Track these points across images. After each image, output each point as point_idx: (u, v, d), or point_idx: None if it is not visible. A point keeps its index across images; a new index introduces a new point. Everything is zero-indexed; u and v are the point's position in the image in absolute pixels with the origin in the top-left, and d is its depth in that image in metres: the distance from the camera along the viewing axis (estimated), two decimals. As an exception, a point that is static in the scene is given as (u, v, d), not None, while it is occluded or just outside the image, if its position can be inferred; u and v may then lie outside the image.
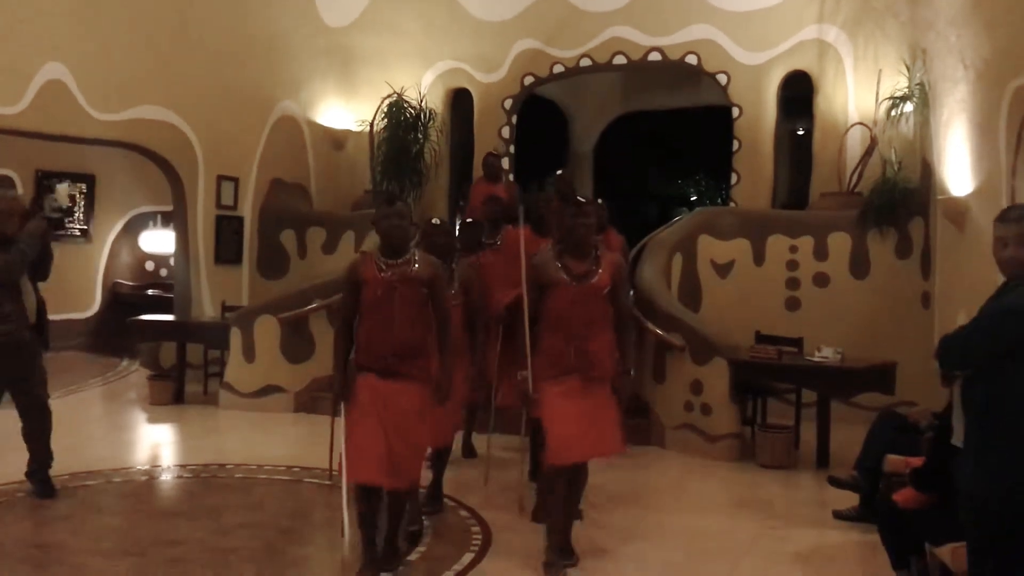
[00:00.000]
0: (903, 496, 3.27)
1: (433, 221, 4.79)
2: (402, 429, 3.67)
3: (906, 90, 7.50)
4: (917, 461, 3.56)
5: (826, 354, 6.11)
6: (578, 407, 3.85)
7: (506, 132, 9.68)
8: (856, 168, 7.97)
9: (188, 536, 4.27)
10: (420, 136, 9.54)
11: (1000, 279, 2.81)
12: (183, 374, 8.07)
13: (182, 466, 5.81)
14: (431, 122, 9.62)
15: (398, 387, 3.66)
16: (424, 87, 9.76)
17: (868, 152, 7.92)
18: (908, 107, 7.56)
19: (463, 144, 10.01)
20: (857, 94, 8.24)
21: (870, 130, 7.94)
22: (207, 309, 8.60)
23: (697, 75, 9.43)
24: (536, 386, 3.91)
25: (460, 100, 9.93)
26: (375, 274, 3.68)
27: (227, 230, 8.82)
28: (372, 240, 8.13)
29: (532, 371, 3.93)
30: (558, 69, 9.48)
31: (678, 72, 9.66)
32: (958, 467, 2.63)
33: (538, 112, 10.76)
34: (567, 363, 3.87)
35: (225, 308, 8.31)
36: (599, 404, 3.89)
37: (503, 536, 4.42)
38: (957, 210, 6.23)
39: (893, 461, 4.00)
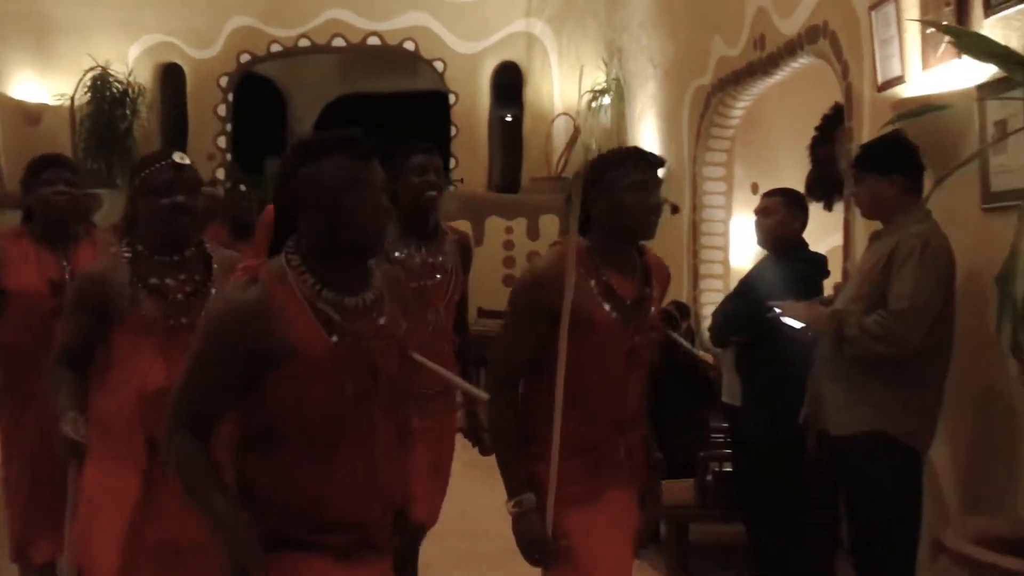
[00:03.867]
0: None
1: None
2: None
3: (604, 84, 8.20)
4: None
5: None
6: (629, 551, 2.42)
7: (222, 111, 9.44)
8: (562, 155, 8.62)
9: None
10: (128, 113, 9.06)
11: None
12: None
13: None
14: (140, 98, 9.16)
15: None
16: (131, 61, 9.27)
17: (572, 140, 8.59)
18: (606, 100, 8.29)
19: (176, 122, 9.63)
20: (562, 86, 8.90)
21: (574, 120, 8.60)
22: None
23: (415, 61, 9.71)
24: (561, 519, 2.25)
25: (172, 76, 9.54)
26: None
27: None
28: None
29: (550, 485, 2.24)
30: (276, 48, 9.38)
31: (397, 57, 9.89)
32: (737, 420, 3.53)
33: (255, 91, 10.56)
34: (612, 466, 2.35)
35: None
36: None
37: None
38: None
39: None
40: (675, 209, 6.22)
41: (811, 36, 4.56)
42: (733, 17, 5.43)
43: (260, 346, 1.73)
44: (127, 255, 2.43)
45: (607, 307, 2.31)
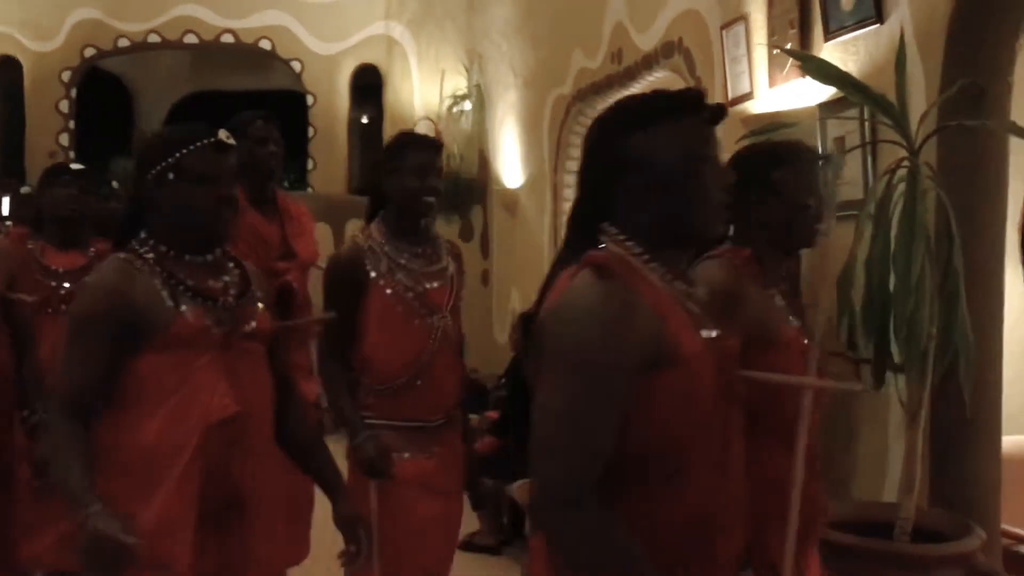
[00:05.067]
0: (482, 444, 3.84)
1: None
2: None
3: (465, 90, 8.32)
4: (494, 414, 4.17)
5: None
6: None
7: (64, 107, 9.01)
8: (423, 159, 8.66)
9: None
10: (-41, 106, 8.54)
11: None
12: None
13: None
14: (-29, 91, 8.65)
15: None
16: (-38, 52, 8.73)
17: (433, 145, 8.65)
18: (467, 106, 8.40)
19: (12, 117, 9.12)
20: (422, 90, 8.95)
21: (435, 124, 8.67)
22: None
23: (271, 60, 9.56)
24: None
25: (8, 69, 9.02)
26: None
27: None
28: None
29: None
30: (123, 43, 9.03)
31: (252, 56, 9.70)
32: None
33: (100, 87, 10.12)
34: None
35: None
36: None
37: None
38: (510, 200, 7.14)
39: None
40: None
41: (666, 51, 4.81)
42: (593, 30, 5.64)
43: (649, 349, 1.38)
44: (149, 256, 1.93)
45: (795, 330, 2.08)
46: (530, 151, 6.82)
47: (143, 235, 1.96)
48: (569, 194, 6.44)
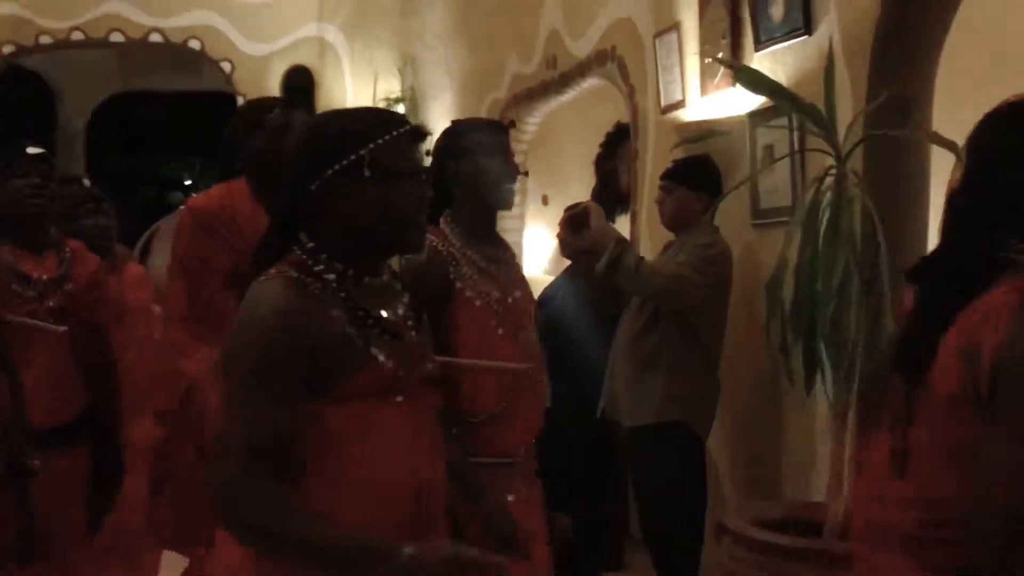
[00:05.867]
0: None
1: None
2: None
3: (399, 93, 8.28)
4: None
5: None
6: None
7: (-16, 104, 8.74)
8: (356, 161, 8.61)
9: None
10: None
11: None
12: None
13: None
14: None
15: None
16: None
17: (367, 147, 8.60)
18: (401, 109, 8.36)
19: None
20: (356, 92, 8.88)
21: (368, 127, 8.61)
22: None
23: (201, 61, 9.39)
24: None
25: (-77, 65, 8.72)
26: None
27: None
28: None
29: None
30: (45, 40, 8.78)
31: (181, 56, 9.51)
32: (547, 420, 3.56)
33: (21, 85, 9.82)
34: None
35: None
36: None
37: None
38: None
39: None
40: None
41: (600, 59, 4.86)
42: (527, 36, 5.67)
43: None
44: (330, 277, 1.52)
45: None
46: (465, 155, 6.82)
47: (308, 245, 1.54)
48: (504, 199, 6.45)
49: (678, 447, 3.30)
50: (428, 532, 1.52)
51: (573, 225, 3.01)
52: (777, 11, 3.40)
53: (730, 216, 3.52)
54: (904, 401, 1.40)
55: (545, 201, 6.44)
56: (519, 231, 6.47)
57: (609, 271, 3.09)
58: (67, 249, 2.76)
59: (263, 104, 2.81)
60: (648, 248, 4.06)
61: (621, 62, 4.65)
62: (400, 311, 1.59)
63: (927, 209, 3.12)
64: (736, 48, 3.64)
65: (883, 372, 1.50)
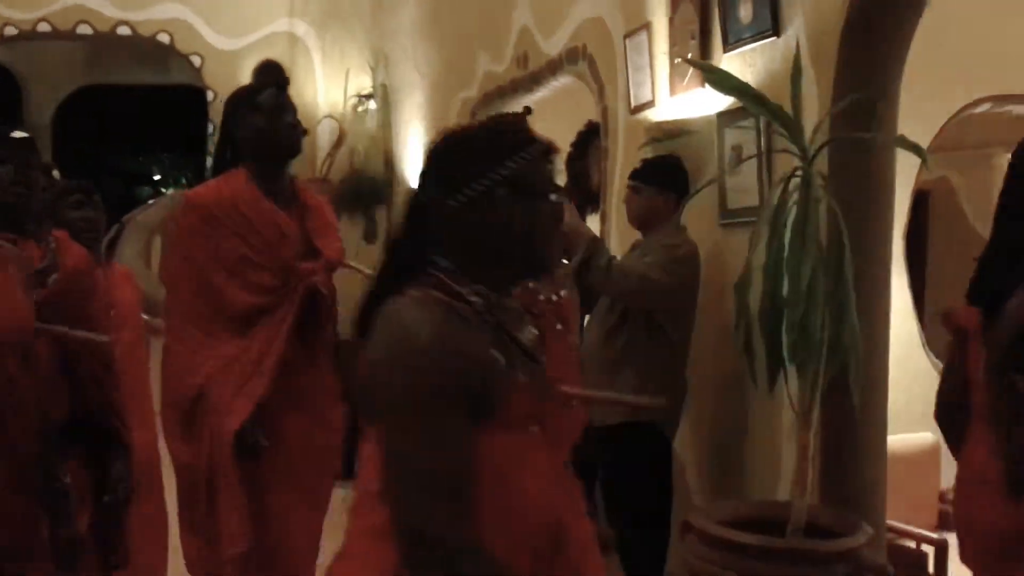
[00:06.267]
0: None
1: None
2: None
3: (371, 89, 8.24)
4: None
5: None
6: None
7: (-54, 96, 8.60)
8: (327, 158, 8.57)
9: None
10: None
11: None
12: None
13: None
14: None
15: None
16: None
17: (338, 144, 8.56)
18: (372, 105, 8.33)
19: None
20: (327, 88, 8.84)
21: (339, 123, 8.58)
22: None
23: (170, 54, 9.30)
24: None
25: None
26: None
27: None
28: None
29: None
30: (11, 32, 8.65)
31: (150, 49, 9.42)
32: None
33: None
34: None
35: None
36: None
37: None
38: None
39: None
40: None
41: (571, 58, 4.86)
42: (499, 34, 5.66)
43: None
44: (475, 300, 1.47)
45: None
46: (436, 153, 6.81)
47: (445, 265, 1.48)
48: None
49: (645, 447, 3.31)
50: (565, 567, 1.46)
51: None
52: (746, 13, 3.41)
53: (698, 216, 3.54)
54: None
55: (516, 199, 6.44)
56: (490, 229, 6.48)
57: (581, 271, 3.12)
58: (51, 240, 2.55)
59: (254, 87, 2.79)
60: (617, 247, 4.06)
61: (592, 61, 4.65)
62: (533, 333, 1.54)
63: (892, 211, 3.15)
64: (705, 49, 3.65)
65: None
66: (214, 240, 2.64)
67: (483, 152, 1.49)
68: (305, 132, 2.77)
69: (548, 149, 1.53)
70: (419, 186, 1.55)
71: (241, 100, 2.78)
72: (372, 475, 1.43)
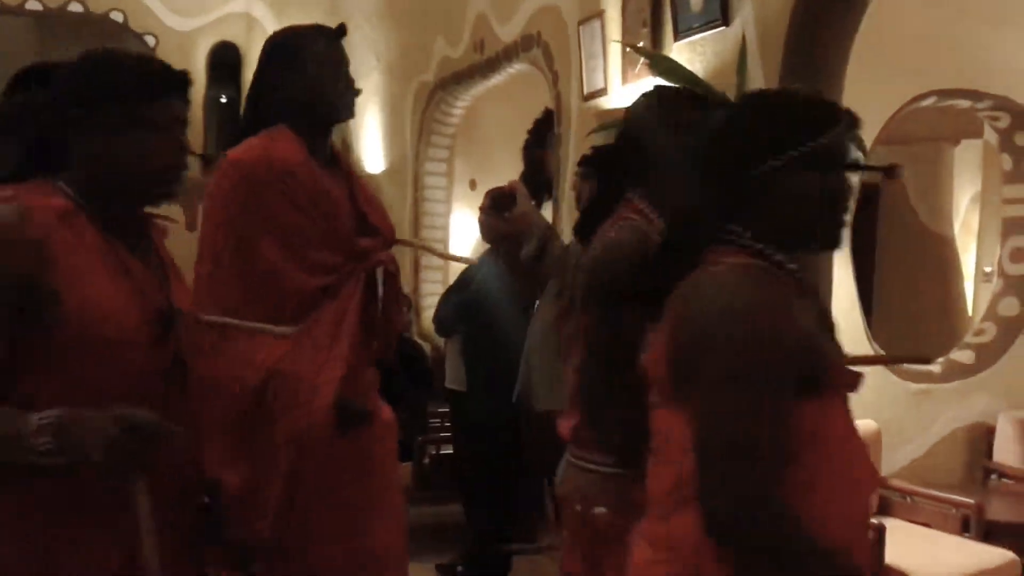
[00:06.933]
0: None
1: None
2: None
3: (327, 73, 8.17)
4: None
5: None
6: None
7: None
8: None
9: None
10: None
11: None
12: None
13: None
14: None
15: None
16: None
17: (294, 127, 8.49)
18: (329, 89, 8.27)
19: None
20: (284, 71, 8.76)
21: (296, 106, 8.50)
22: None
23: (124, 33, 9.15)
24: None
25: None
26: None
27: None
28: None
29: None
30: (-43, 6, 8.49)
31: (102, 27, 9.26)
32: (462, 404, 3.92)
33: (-69, 52, 9.45)
34: None
35: None
36: None
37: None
38: (373, 185, 7.08)
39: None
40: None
41: (526, 44, 4.87)
42: (455, 19, 5.65)
43: None
44: (793, 267, 1.47)
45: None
46: (392, 137, 6.78)
47: (746, 233, 1.45)
48: (432, 182, 6.43)
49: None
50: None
51: (497, 205, 2.96)
52: (696, 2, 3.44)
53: (647, 204, 3.56)
54: None
55: (473, 186, 6.44)
56: (445, 215, 6.47)
57: (535, 259, 3.11)
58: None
59: (308, 32, 2.28)
60: (569, 235, 4.08)
61: (546, 48, 4.66)
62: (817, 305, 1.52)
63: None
64: (656, 37, 3.68)
65: None
66: (266, 210, 2.10)
67: (802, 121, 1.45)
68: (359, 92, 2.30)
69: (855, 122, 1.49)
70: (714, 154, 1.49)
71: (290, 46, 2.27)
72: (674, 454, 1.40)
